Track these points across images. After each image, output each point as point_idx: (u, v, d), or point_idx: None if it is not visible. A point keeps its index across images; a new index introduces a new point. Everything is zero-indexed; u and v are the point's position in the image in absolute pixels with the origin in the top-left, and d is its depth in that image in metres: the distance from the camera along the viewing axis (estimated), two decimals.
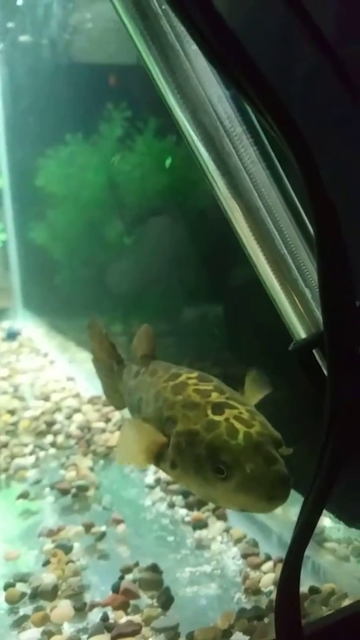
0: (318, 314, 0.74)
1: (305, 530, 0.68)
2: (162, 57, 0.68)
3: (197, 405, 0.84)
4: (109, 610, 0.99)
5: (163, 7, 0.66)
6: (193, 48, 0.67)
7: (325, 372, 0.73)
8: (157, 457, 0.87)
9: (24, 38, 2.61)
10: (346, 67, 0.65)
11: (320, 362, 0.75)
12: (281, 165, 0.70)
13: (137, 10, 0.67)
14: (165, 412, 0.87)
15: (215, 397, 0.84)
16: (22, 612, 1.01)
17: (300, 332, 0.76)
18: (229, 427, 0.78)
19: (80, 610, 1.00)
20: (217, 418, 0.80)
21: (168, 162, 1.61)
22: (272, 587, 1.01)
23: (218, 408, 0.82)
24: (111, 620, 0.97)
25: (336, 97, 0.72)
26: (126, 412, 1.36)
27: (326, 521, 1.08)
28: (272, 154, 0.70)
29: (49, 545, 1.18)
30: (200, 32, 0.54)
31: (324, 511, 1.03)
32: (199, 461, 0.79)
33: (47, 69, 2.49)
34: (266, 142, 0.70)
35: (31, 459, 1.55)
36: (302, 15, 0.62)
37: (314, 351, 0.75)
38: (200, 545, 1.16)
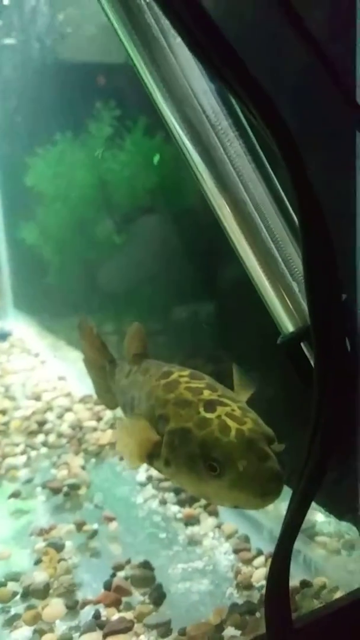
0: (305, 307, 0.75)
1: (294, 523, 0.68)
2: (146, 50, 0.68)
3: (189, 403, 0.84)
4: (101, 607, 0.99)
5: (147, 0, 0.65)
6: (177, 41, 0.67)
7: (312, 364, 0.73)
8: (150, 456, 0.87)
9: (11, 36, 2.59)
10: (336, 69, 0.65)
11: (308, 355, 0.75)
12: (267, 159, 0.70)
13: (122, 3, 0.67)
14: (158, 411, 0.87)
15: (207, 394, 0.84)
16: (13, 611, 1.00)
17: (288, 325, 0.76)
18: (221, 424, 0.78)
19: (72, 608, 1.00)
20: (209, 415, 0.80)
21: (156, 159, 1.61)
22: (263, 582, 1.02)
23: (210, 405, 0.82)
24: (103, 618, 0.96)
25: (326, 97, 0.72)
26: (118, 411, 1.36)
27: (317, 516, 1.08)
28: (258, 148, 0.70)
29: (40, 544, 1.17)
30: (183, 23, 0.54)
31: (315, 506, 1.04)
32: (191, 459, 0.79)
33: (36, 68, 2.48)
34: (252, 135, 0.70)
35: (22, 459, 1.55)
36: (294, 19, 0.62)
37: (302, 344, 0.76)
38: (192, 542, 1.16)
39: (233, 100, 0.68)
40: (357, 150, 0.77)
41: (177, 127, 0.69)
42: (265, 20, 0.95)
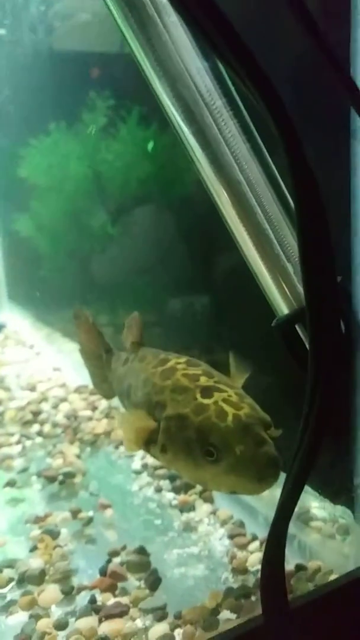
0: (300, 289, 0.74)
1: (288, 505, 0.68)
2: (141, 29, 0.67)
3: (186, 389, 0.84)
4: (96, 592, 0.99)
5: None
6: (172, 20, 0.67)
7: (307, 346, 0.73)
8: (147, 443, 0.87)
9: (2, 25, 2.57)
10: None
11: (303, 337, 0.75)
12: (261, 139, 0.70)
13: None
14: (155, 397, 0.87)
15: (203, 381, 0.84)
16: (9, 597, 1.00)
17: (283, 307, 0.76)
18: (217, 409, 0.78)
19: (68, 593, 1.00)
20: (205, 401, 0.80)
21: (150, 145, 1.60)
22: (258, 566, 1.01)
23: (207, 391, 0.82)
24: (99, 603, 0.97)
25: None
26: (113, 401, 1.36)
27: (312, 501, 1.08)
28: (253, 127, 0.70)
29: (36, 531, 1.17)
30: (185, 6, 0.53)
31: (310, 491, 1.05)
32: (188, 444, 0.79)
33: (29, 57, 2.46)
34: (246, 115, 0.69)
35: (18, 448, 1.54)
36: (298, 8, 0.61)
37: (296, 326, 0.76)
38: (188, 528, 1.16)
39: (228, 80, 0.68)
40: (353, 132, 0.77)
41: (171, 106, 0.69)
42: (261, 4, 0.94)
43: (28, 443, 1.57)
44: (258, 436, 0.75)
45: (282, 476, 0.75)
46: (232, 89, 0.68)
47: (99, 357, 1.21)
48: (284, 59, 1.00)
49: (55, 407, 1.77)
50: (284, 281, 0.74)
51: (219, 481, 0.79)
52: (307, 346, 0.73)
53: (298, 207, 0.63)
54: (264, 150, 0.70)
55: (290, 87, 1.02)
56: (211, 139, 0.69)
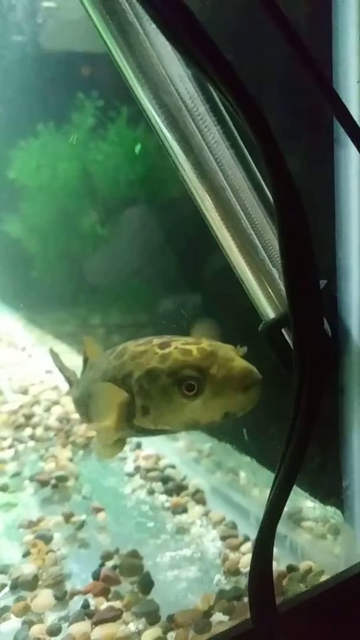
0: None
1: (275, 507, 0.69)
2: (122, 36, 0.67)
3: (144, 351, 0.86)
4: (89, 597, 0.99)
5: None
6: (152, 27, 0.66)
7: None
8: (128, 419, 0.87)
9: None
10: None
11: (288, 341, 0.76)
12: (245, 145, 0.70)
13: None
14: (119, 375, 0.88)
15: (157, 340, 0.87)
16: (2, 603, 1.00)
17: (269, 312, 0.76)
18: (180, 350, 0.81)
19: (61, 599, 1.00)
20: (166, 350, 0.82)
21: (137, 148, 1.60)
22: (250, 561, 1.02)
23: (164, 345, 0.84)
24: (92, 607, 0.97)
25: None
26: None
27: (303, 501, 1.09)
28: (236, 133, 0.70)
29: (29, 536, 1.17)
30: (156, 8, 0.53)
31: (301, 492, 1.05)
32: (167, 392, 0.80)
33: (16, 58, 2.44)
34: (229, 121, 0.69)
35: (10, 452, 1.54)
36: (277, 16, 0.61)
37: (282, 330, 0.76)
38: (180, 530, 1.16)
39: (210, 86, 0.67)
40: (335, 139, 0.77)
41: (154, 113, 0.69)
42: (247, 11, 0.94)
43: (21, 447, 1.57)
44: (228, 354, 0.78)
45: (269, 475, 0.76)
46: (215, 95, 0.68)
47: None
48: (269, 63, 1.00)
49: (47, 410, 1.77)
50: (269, 286, 0.75)
51: (209, 410, 0.79)
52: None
53: (279, 216, 0.63)
54: (248, 156, 0.71)
55: (276, 90, 1.02)
56: (194, 145, 0.69)
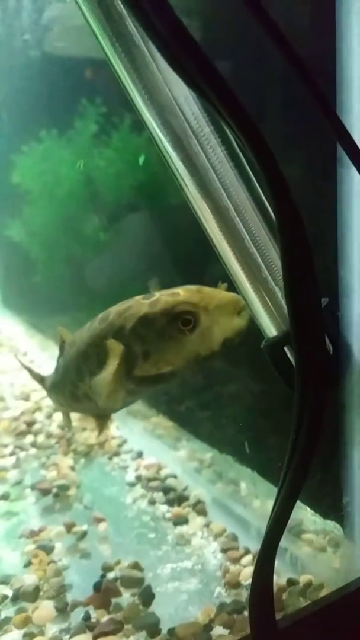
0: None
1: (276, 529, 0.69)
2: (127, 57, 0.67)
3: (130, 305, 0.87)
4: (90, 609, 1.00)
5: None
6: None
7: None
8: (128, 370, 0.86)
9: None
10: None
11: (290, 359, 0.76)
12: (249, 165, 0.70)
13: (102, 10, 0.67)
14: (109, 335, 0.88)
15: (139, 297, 0.89)
16: (3, 614, 1.01)
17: (272, 329, 0.76)
18: (167, 294, 0.84)
19: (62, 610, 1.01)
20: (153, 299, 0.85)
21: (141, 159, 1.60)
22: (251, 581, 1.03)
23: (149, 296, 0.87)
24: (93, 620, 0.97)
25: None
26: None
27: (303, 514, 1.09)
28: (240, 154, 0.70)
29: (30, 546, 1.18)
30: (159, 36, 0.54)
31: (301, 504, 1.05)
32: (164, 332, 0.83)
33: (20, 64, 2.45)
34: (234, 141, 0.70)
35: (11, 460, 1.55)
36: (268, 25, 0.61)
37: (285, 348, 0.76)
38: (181, 541, 1.17)
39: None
40: (338, 153, 0.78)
41: (159, 133, 0.69)
42: (246, 25, 0.94)
43: (22, 454, 1.58)
44: (212, 289, 0.84)
45: (272, 489, 0.76)
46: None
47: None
48: (273, 80, 1.01)
49: (49, 417, 1.77)
50: (272, 304, 0.75)
51: (208, 340, 0.82)
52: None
53: (281, 236, 0.64)
54: (252, 176, 0.71)
55: (277, 105, 1.03)
56: (199, 165, 0.69)
